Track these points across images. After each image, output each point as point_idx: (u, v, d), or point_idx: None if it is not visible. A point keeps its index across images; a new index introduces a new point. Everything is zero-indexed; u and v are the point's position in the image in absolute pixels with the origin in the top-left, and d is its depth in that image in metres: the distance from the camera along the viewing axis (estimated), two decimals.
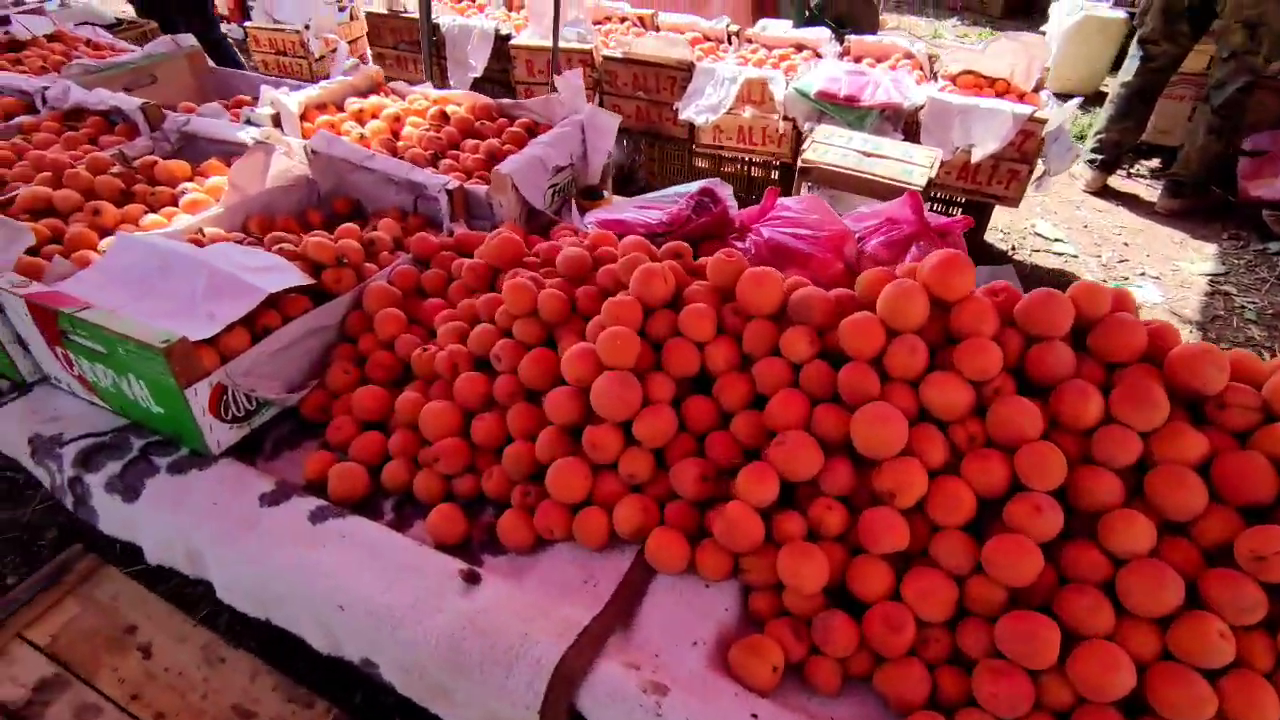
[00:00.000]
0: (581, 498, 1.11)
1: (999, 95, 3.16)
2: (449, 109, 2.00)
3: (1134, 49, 4.00)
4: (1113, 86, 4.11)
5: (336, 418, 1.29)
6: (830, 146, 2.68)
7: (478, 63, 3.58)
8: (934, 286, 1.05)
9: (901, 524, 0.98)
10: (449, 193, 1.61)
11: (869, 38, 3.48)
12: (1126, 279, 3.35)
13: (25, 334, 1.30)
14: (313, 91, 1.96)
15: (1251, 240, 3.60)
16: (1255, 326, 3.06)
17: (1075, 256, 3.53)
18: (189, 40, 2.38)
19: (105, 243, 1.48)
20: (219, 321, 1.21)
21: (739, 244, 1.56)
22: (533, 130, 1.92)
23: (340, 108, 2.03)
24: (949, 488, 0.98)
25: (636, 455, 1.11)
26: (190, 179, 1.71)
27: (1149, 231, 3.73)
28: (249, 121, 1.91)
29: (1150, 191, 4.08)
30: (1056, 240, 3.62)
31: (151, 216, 1.57)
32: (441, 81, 3.74)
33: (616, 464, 1.12)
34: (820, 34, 3.52)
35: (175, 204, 1.66)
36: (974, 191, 3.03)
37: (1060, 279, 3.38)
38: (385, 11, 3.79)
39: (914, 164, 2.59)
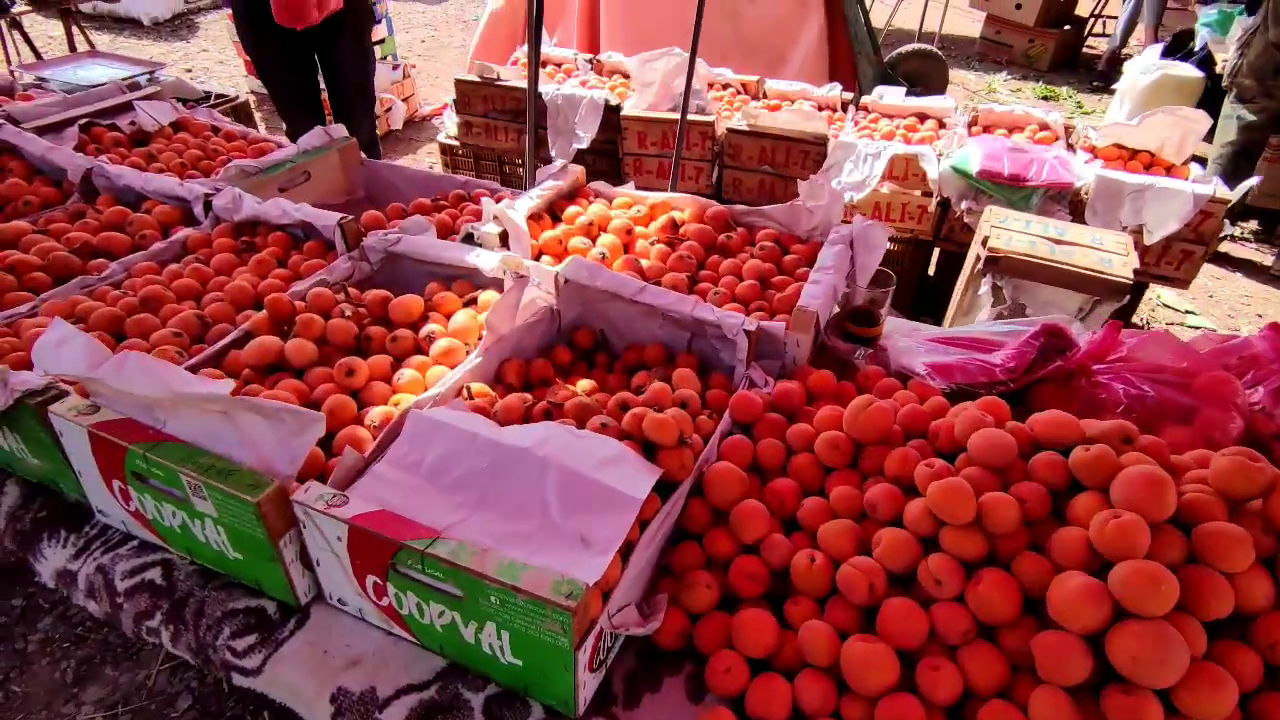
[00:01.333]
0: None
1: (1146, 169, 3.03)
2: (674, 214, 1.78)
3: (1229, 109, 3.94)
4: (1212, 150, 4.04)
5: (717, 656, 1.03)
6: (1012, 233, 2.51)
7: (585, 134, 3.38)
8: None
9: None
10: (748, 333, 1.38)
11: (998, 108, 3.35)
12: None
13: (323, 558, 1.03)
14: (532, 201, 1.72)
15: None
16: None
17: (1213, 329, 3.39)
18: (340, 131, 2.14)
19: (375, 415, 1.22)
20: (600, 549, 0.96)
21: (1087, 389, 1.35)
22: (783, 245, 1.70)
23: (553, 215, 1.80)
24: None
25: None
26: (424, 315, 1.46)
27: (1275, 299, 3.62)
28: (470, 239, 1.66)
29: (1260, 255, 3.99)
30: (1189, 312, 3.49)
31: (408, 373, 1.31)
32: (540, 150, 3.53)
33: None
34: (945, 104, 3.38)
35: (416, 349, 1.40)
36: (1141, 274, 2.88)
37: None
38: (478, 79, 3.58)
39: (1110, 252, 2.42)
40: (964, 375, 1.35)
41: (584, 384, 1.44)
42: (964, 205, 2.85)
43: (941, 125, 3.36)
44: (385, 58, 5.52)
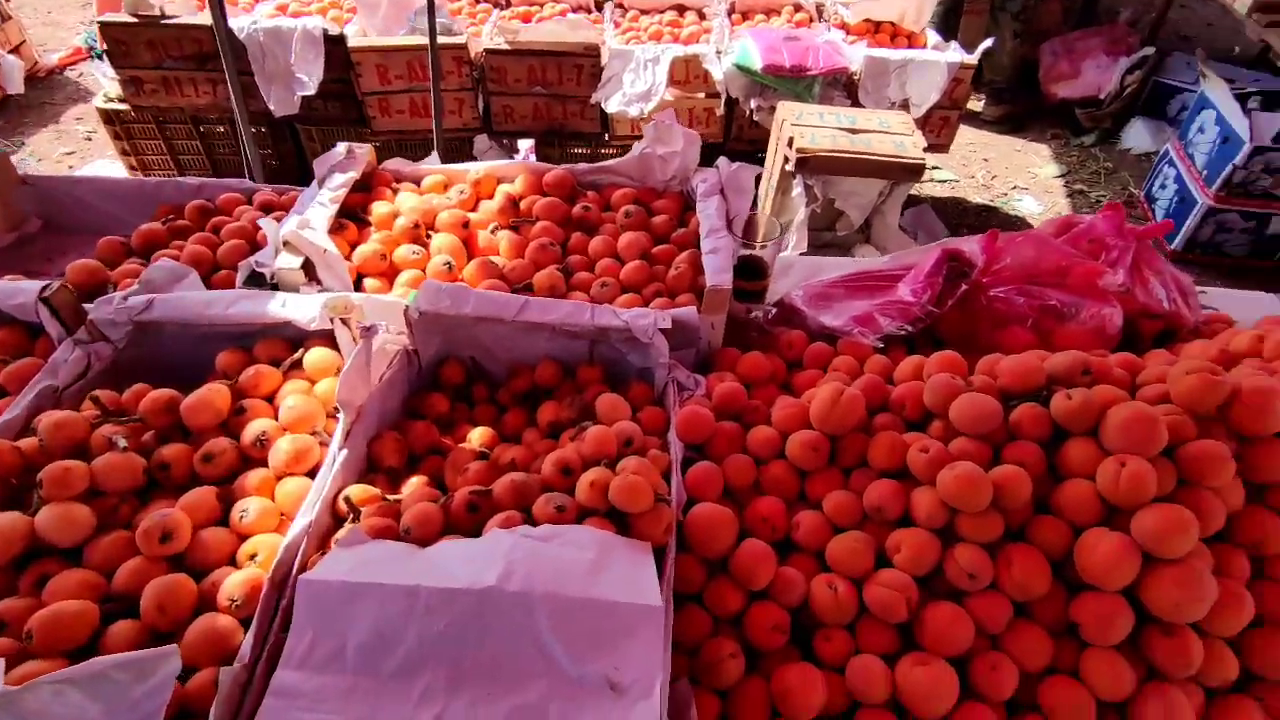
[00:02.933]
0: None
1: (891, 39, 3.18)
2: (506, 189, 1.46)
3: None
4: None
5: None
6: (812, 129, 2.49)
7: (310, 77, 2.74)
8: None
9: None
10: (663, 332, 1.17)
11: None
12: (1006, 195, 3.68)
13: None
14: (327, 209, 1.28)
15: (1068, 136, 4.14)
16: None
17: (957, 181, 3.79)
18: None
19: (233, 589, 0.85)
20: (640, 690, 0.75)
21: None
22: (644, 203, 1.48)
23: (352, 216, 1.38)
24: None
25: None
26: (236, 407, 1.05)
27: (996, 144, 4.11)
28: (257, 280, 1.21)
29: (972, 104, 4.48)
30: (934, 168, 3.84)
31: (254, 504, 0.93)
32: (252, 104, 2.81)
33: None
34: None
35: (244, 463, 1.01)
36: None
37: (960, 206, 3.62)
38: (134, 19, 2.72)
39: (900, 134, 2.51)
40: (888, 321, 1.28)
41: (477, 435, 1.15)
42: (753, 104, 2.78)
43: (701, 16, 3.22)
44: None
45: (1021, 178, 3.81)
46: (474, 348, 1.24)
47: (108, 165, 3.40)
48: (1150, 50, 3.90)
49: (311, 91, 2.77)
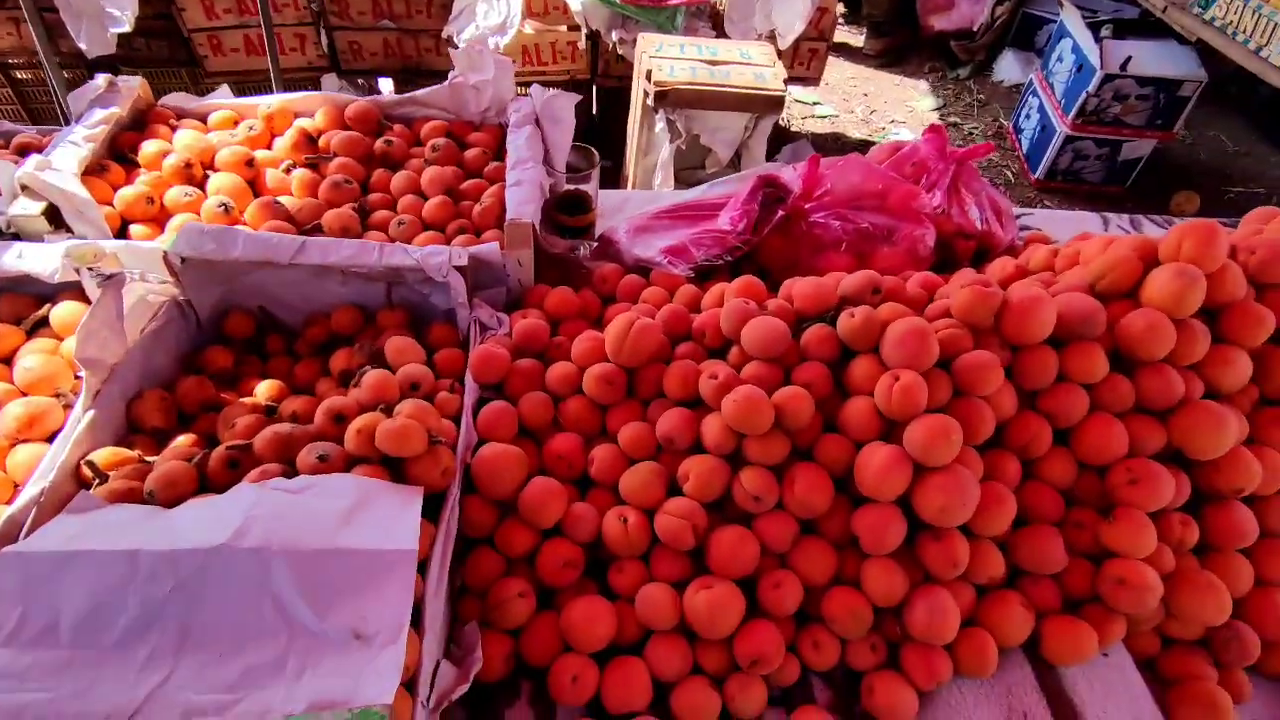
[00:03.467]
0: None
1: None
2: (303, 124, 1.35)
3: None
4: None
5: (559, 666, 0.87)
6: (670, 61, 2.43)
7: (123, 11, 2.46)
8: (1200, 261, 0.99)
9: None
10: (459, 270, 1.11)
11: None
12: (884, 129, 3.72)
13: None
14: (80, 149, 1.15)
15: (944, 70, 4.20)
16: None
17: (837, 116, 3.80)
18: None
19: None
20: (386, 637, 0.72)
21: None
22: (457, 137, 1.39)
23: (121, 159, 1.24)
24: None
25: None
26: None
27: (875, 79, 4.14)
28: None
29: (852, 37, 4.49)
30: (815, 104, 3.85)
31: None
32: (61, 45, 2.53)
33: None
34: None
35: None
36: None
37: (840, 141, 3.64)
38: None
39: (760, 65, 2.48)
40: (703, 251, 1.26)
41: (263, 388, 1.08)
42: (615, 36, 2.68)
43: None
44: None
45: (900, 111, 3.86)
46: (261, 296, 1.15)
47: None
48: None
49: (127, 28, 2.50)
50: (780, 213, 1.30)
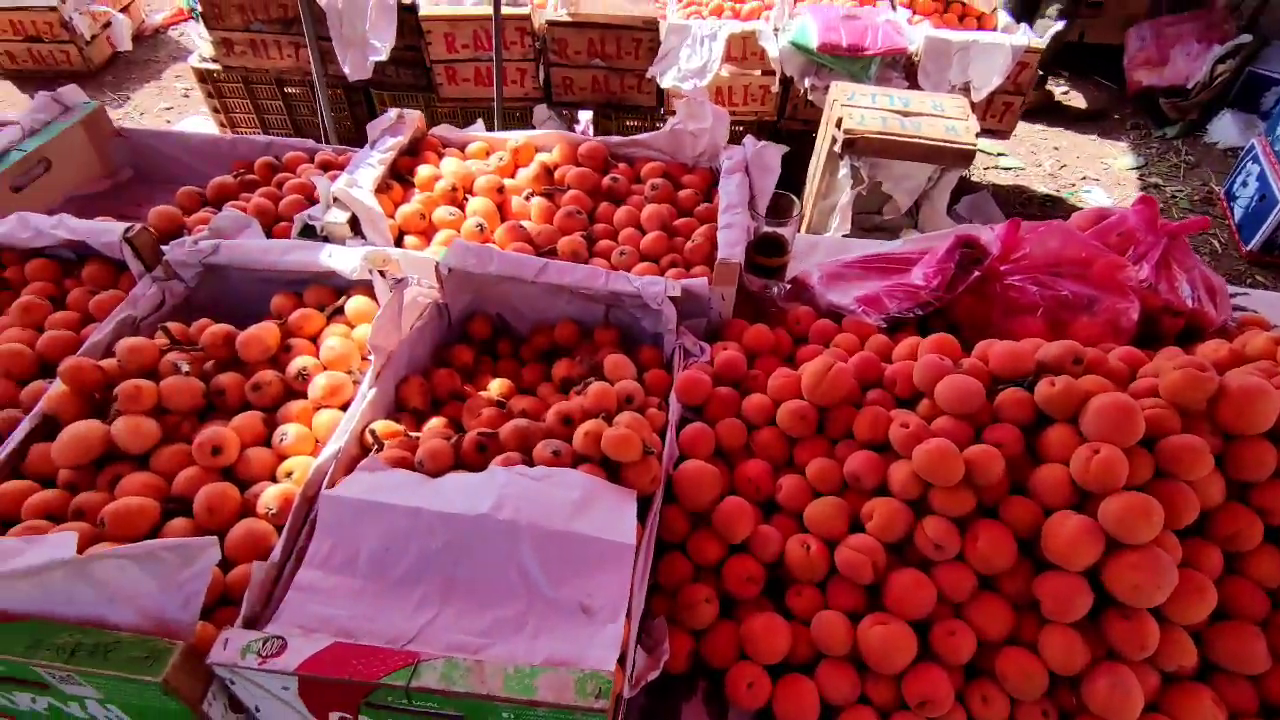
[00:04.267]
0: None
1: (960, 20, 3.10)
2: (543, 158, 1.55)
3: None
4: None
5: (736, 671, 0.96)
6: (862, 110, 2.49)
7: (383, 43, 2.87)
8: None
9: None
10: (673, 299, 1.24)
11: None
12: (1074, 186, 3.56)
13: (265, 705, 0.83)
14: (375, 170, 1.40)
15: (1150, 127, 3.95)
16: (1193, 215, 3.39)
17: (1023, 169, 3.68)
18: (77, 96, 1.62)
19: (270, 499, 0.98)
20: (607, 614, 0.84)
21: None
22: (672, 178, 1.54)
23: (399, 177, 1.49)
24: None
25: None
26: (284, 344, 1.18)
27: (1067, 133, 3.96)
28: (310, 232, 1.34)
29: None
30: (1000, 155, 3.74)
31: (292, 429, 1.06)
32: (329, 67, 2.97)
33: None
34: None
35: (287, 393, 1.14)
36: None
37: (1024, 195, 3.52)
38: None
39: (952, 118, 2.48)
40: (895, 303, 1.32)
41: (496, 385, 1.25)
42: (807, 82, 2.78)
43: None
44: None
45: (1093, 168, 3.67)
46: (501, 305, 1.34)
47: (201, 122, 3.64)
48: (1247, 38, 3.67)
49: (384, 57, 2.91)
50: (976, 273, 1.33)
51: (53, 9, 3.80)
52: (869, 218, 2.79)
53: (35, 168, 1.52)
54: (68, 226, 1.27)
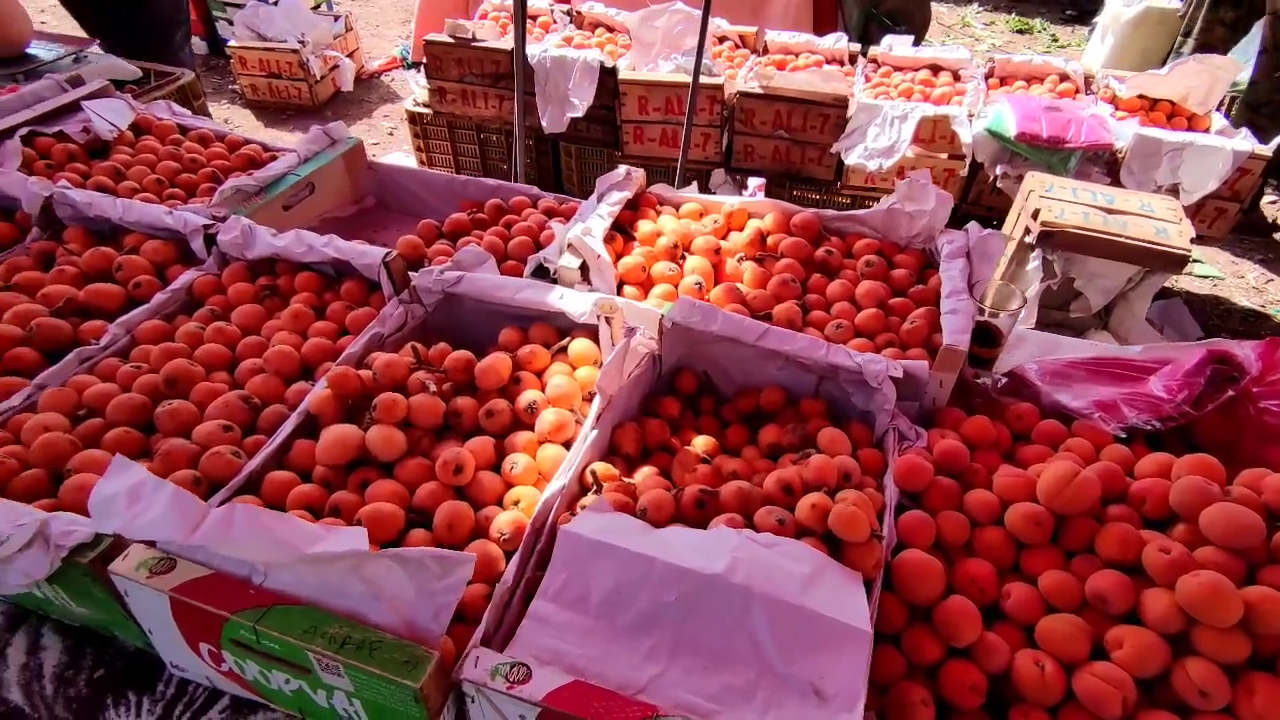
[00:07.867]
0: None
1: (1168, 119, 2.95)
2: (756, 224, 1.58)
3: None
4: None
5: None
6: (1062, 203, 2.39)
7: (581, 101, 3.07)
8: None
9: None
10: (893, 380, 1.22)
11: (1016, 58, 3.18)
12: None
13: None
14: (604, 222, 1.48)
15: None
16: None
17: (1221, 279, 3.40)
18: (341, 130, 1.83)
19: (503, 525, 1.03)
20: (843, 703, 0.81)
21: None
22: (885, 256, 1.53)
23: (620, 230, 1.57)
24: None
25: None
26: (514, 376, 1.25)
27: (1272, 242, 3.65)
28: (541, 272, 1.43)
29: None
30: (1196, 262, 3.48)
31: (521, 460, 1.11)
32: (527, 118, 3.21)
33: None
34: (959, 55, 3.20)
35: (514, 423, 1.20)
36: None
37: (1221, 307, 3.25)
38: (451, 40, 3.21)
39: (1163, 220, 2.34)
40: (1135, 413, 1.23)
41: (701, 441, 1.26)
42: (999, 170, 2.71)
43: (956, 78, 3.18)
44: (319, 6, 4.97)
45: None
46: (709, 363, 1.36)
47: (402, 157, 4.00)
48: None
49: (580, 114, 3.10)
50: (1230, 391, 1.23)
51: (294, 51, 4.35)
52: (1051, 313, 2.66)
53: (303, 190, 1.72)
54: (336, 246, 1.42)
